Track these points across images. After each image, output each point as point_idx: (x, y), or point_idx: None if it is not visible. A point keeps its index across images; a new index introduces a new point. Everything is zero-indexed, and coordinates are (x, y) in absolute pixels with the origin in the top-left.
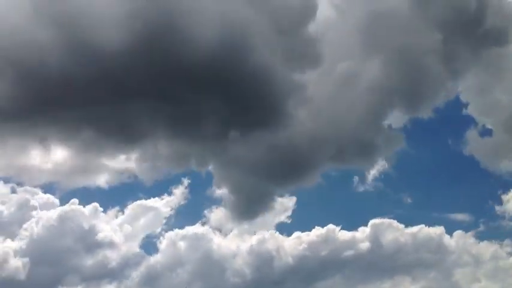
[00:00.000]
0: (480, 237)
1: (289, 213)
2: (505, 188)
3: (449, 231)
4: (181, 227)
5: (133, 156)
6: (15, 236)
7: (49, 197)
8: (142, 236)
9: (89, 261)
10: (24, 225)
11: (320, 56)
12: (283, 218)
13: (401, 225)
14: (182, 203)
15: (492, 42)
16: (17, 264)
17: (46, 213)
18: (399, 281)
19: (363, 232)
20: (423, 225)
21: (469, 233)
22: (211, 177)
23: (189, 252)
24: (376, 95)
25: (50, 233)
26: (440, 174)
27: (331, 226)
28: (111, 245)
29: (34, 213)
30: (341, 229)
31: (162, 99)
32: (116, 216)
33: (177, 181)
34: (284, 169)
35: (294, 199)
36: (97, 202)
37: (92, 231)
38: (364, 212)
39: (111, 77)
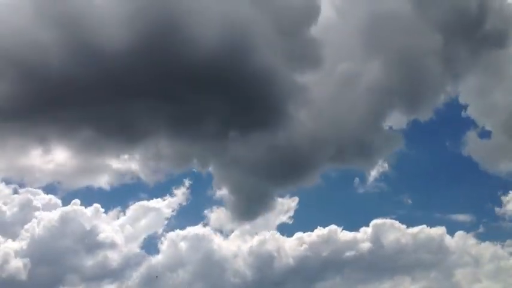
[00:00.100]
0: (481, 237)
1: (292, 213)
2: (505, 189)
3: (451, 232)
4: (182, 228)
5: (135, 156)
6: (16, 236)
7: (51, 197)
8: (143, 236)
9: (90, 262)
10: (26, 226)
11: (321, 57)
12: (285, 218)
13: (403, 226)
14: (183, 203)
15: (492, 44)
16: (17, 265)
17: (48, 213)
18: (399, 282)
19: (364, 232)
20: (424, 226)
21: (470, 234)
22: (213, 178)
23: (190, 252)
24: (377, 96)
25: (51, 234)
26: (440, 175)
27: (333, 227)
28: (112, 245)
29: (37, 213)
30: (343, 229)
31: (164, 99)
32: (118, 217)
33: (178, 182)
34: (284, 169)
35: (296, 199)
36: (99, 202)
37: (93, 231)
38: (366, 212)
39: (113, 77)
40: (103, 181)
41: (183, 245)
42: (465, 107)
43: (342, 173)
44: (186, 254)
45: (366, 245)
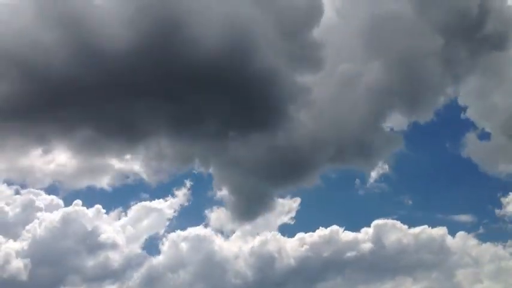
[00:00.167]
0: (482, 238)
1: (293, 214)
2: (504, 190)
3: (452, 232)
4: (183, 229)
5: (137, 156)
6: (18, 236)
7: (53, 198)
8: (144, 237)
9: (91, 262)
10: (27, 227)
11: (322, 58)
12: (286, 219)
13: (405, 226)
14: (185, 204)
15: (492, 46)
16: (18, 265)
17: (50, 214)
18: (401, 282)
19: (365, 233)
20: (426, 226)
21: (472, 234)
22: (213, 179)
23: (191, 253)
24: (377, 97)
25: (52, 234)
26: (440, 176)
27: (334, 227)
28: (113, 246)
29: (39, 214)
30: (344, 230)
31: (166, 100)
32: (119, 218)
33: (180, 183)
34: (284, 170)
35: (298, 200)
36: (100, 203)
37: (95, 232)
38: (367, 213)
39: (114, 77)
40: (105, 182)
41: (184, 245)
42: (464, 109)
43: (342, 173)
44: (187, 254)
45: (367, 246)
